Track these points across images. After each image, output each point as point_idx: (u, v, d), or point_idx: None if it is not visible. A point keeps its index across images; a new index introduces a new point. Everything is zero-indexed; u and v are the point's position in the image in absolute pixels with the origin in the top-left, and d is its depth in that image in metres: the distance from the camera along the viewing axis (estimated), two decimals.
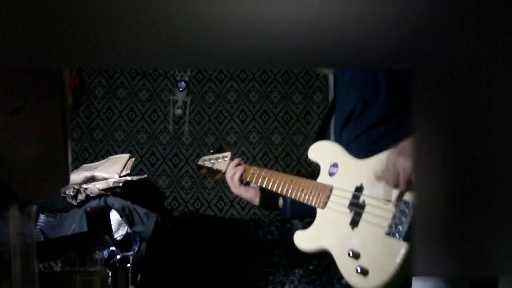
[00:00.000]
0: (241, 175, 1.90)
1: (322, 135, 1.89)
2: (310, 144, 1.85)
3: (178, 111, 3.82)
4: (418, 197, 0.39)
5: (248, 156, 3.78)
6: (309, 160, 1.81)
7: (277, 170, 1.93)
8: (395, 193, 1.44)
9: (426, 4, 0.33)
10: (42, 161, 0.73)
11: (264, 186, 1.85)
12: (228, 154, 2.11)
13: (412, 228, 1.37)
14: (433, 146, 0.37)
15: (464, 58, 0.34)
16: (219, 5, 0.34)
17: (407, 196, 1.41)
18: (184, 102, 3.83)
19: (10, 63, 0.39)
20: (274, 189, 1.81)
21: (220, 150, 2.21)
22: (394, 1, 0.33)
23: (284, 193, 1.78)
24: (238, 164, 1.95)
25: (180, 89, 3.83)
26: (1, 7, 0.33)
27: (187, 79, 3.85)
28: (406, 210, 1.40)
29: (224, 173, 2.10)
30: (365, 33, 0.35)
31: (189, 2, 0.34)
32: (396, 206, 1.42)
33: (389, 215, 1.43)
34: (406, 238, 1.38)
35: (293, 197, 1.76)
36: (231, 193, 3.70)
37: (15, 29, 0.35)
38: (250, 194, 1.90)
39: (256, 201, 1.91)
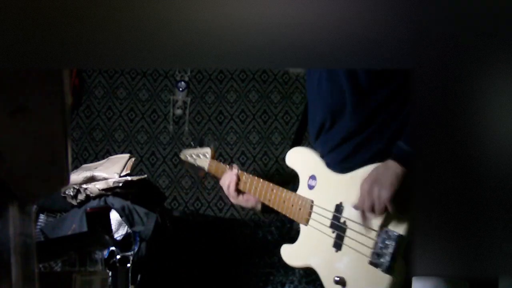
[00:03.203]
0: (236, 184, 1.83)
1: (298, 141, 1.86)
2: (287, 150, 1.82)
3: (178, 111, 3.82)
4: (419, 198, 0.39)
5: (248, 156, 3.78)
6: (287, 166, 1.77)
7: (258, 176, 1.85)
8: (375, 220, 1.44)
9: (425, 4, 0.33)
10: (42, 161, 0.73)
11: (247, 192, 1.80)
12: (209, 150, 2.05)
13: (394, 260, 1.38)
14: (432, 146, 0.37)
15: (463, 58, 0.34)
16: (219, 5, 0.34)
17: (388, 225, 1.42)
18: (184, 102, 3.83)
19: (10, 63, 0.39)
20: (257, 197, 1.78)
21: (201, 144, 2.16)
22: (394, 2, 0.33)
23: (266, 202, 1.76)
24: (232, 172, 1.87)
25: (180, 89, 3.83)
26: (2, 7, 0.33)
27: (187, 79, 3.85)
28: (388, 241, 1.40)
29: (207, 172, 2.04)
30: (365, 33, 0.35)
31: (189, 2, 0.34)
32: (378, 235, 1.43)
33: (371, 243, 1.44)
34: (389, 271, 1.39)
35: (275, 208, 1.74)
36: None
37: (15, 29, 0.35)
38: (251, 202, 1.84)
39: (258, 207, 1.85)
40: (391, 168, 1.40)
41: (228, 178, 1.85)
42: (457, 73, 0.34)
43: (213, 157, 2.03)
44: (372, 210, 1.42)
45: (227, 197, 1.90)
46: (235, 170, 1.87)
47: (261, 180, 1.79)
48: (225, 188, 1.87)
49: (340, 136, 1.59)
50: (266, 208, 1.84)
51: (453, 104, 0.35)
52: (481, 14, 0.32)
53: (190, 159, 2.11)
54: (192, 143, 2.22)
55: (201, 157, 2.06)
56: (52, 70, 0.49)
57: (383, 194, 1.38)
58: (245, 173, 1.84)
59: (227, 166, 1.93)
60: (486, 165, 0.36)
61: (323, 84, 1.62)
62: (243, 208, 1.98)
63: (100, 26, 0.35)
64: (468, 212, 0.38)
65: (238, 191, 1.84)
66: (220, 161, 2.03)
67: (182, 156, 2.19)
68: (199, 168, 2.09)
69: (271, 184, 1.76)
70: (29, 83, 0.50)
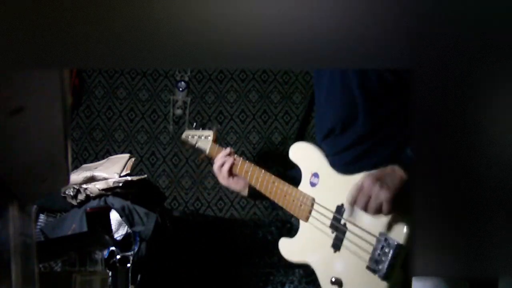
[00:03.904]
0: (231, 167, 1.85)
1: (301, 135, 1.87)
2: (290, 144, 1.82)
3: (178, 111, 3.82)
4: (418, 197, 0.39)
5: (248, 156, 3.77)
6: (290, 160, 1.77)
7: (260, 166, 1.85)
8: (375, 224, 1.45)
9: (425, 4, 0.33)
10: (42, 161, 0.73)
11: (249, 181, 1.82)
12: (211, 133, 2.04)
13: (392, 268, 1.38)
14: (432, 146, 0.37)
15: (463, 58, 0.34)
16: (219, 5, 0.34)
17: (388, 232, 1.42)
18: (184, 102, 3.83)
19: (10, 63, 0.39)
20: (257, 188, 1.78)
21: (203, 126, 2.16)
22: (393, 1, 0.33)
23: (267, 194, 1.76)
24: (228, 155, 1.89)
25: (180, 89, 3.83)
26: (1, 7, 0.33)
27: (187, 79, 3.85)
28: (386, 249, 1.40)
29: (207, 156, 2.04)
30: (365, 33, 0.35)
31: (189, 2, 0.34)
32: (377, 241, 1.43)
33: (370, 248, 1.44)
34: (386, 278, 1.39)
35: (276, 200, 1.73)
36: (231, 193, 3.70)
37: (15, 29, 0.35)
38: (239, 186, 1.86)
39: (245, 192, 1.87)
40: (396, 172, 1.40)
41: (223, 158, 1.86)
42: (457, 73, 0.34)
43: (214, 140, 2.01)
44: (365, 207, 1.41)
45: (216, 176, 1.91)
46: (233, 153, 1.88)
47: (263, 170, 1.79)
48: (216, 166, 1.87)
49: (349, 141, 1.59)
50: (253, 194, 1.85)
51: (453, 104, 0.35)
52: (482, 13, 0.32)
53: (190, 140, 2.09)
54: (194, 124, 2.17)
55: (202, 139, 2.05)
56: (52, 70, 0.49)
57: (383, 193, 1.38)
58: (246, 161, 1.85)
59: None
60: (486, 165, 0.36)
61: (334, 92, 1.62)
62: (232, 192, 1.98)
63: (100, 26, 0.35)
64: (468, 212, 0.38)
65: (230, 173, 1.85)
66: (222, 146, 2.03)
67: (183, 136, 2.16)
68: (199, 150, 2.07)
69: (272, 176, 1.76)
70: (29, 83, 0.50)
